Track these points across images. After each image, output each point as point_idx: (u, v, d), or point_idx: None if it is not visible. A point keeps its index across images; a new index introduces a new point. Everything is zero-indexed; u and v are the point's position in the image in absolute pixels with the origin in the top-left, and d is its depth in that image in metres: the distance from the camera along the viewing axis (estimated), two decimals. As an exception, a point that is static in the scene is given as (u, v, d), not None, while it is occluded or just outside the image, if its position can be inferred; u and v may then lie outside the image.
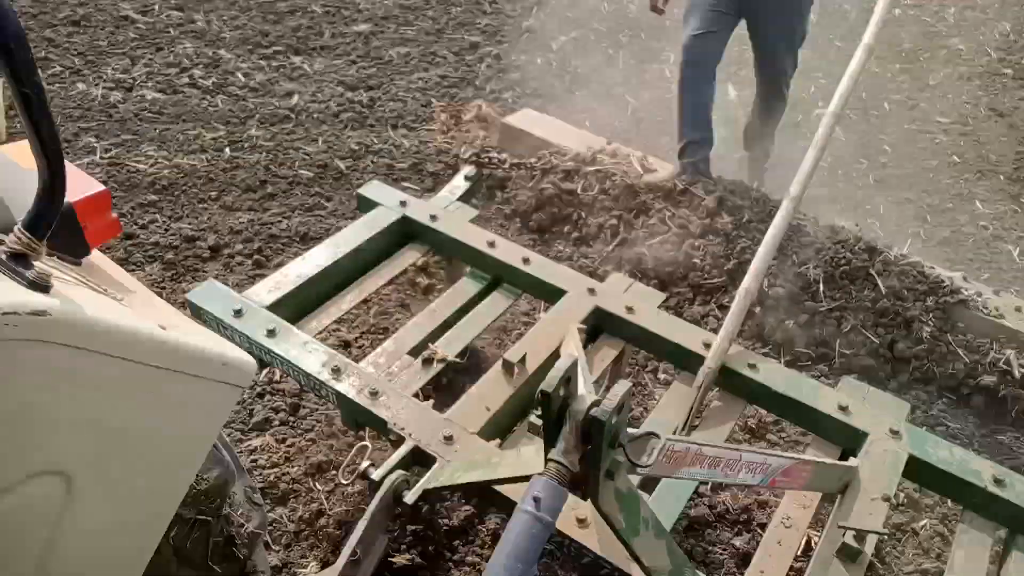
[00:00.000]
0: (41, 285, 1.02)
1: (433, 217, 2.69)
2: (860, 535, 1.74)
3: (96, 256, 1.35)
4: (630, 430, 1.28)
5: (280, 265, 2.97)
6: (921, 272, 3.13)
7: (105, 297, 1.21)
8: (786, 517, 1.91)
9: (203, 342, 1.26)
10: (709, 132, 3.55)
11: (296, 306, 2.38)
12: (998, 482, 1.95)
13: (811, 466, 1.79)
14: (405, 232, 2.71)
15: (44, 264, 1.09)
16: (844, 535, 1.75)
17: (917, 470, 2.02)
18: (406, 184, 3.99)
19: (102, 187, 1.41)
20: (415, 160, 4.21)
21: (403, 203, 2.74)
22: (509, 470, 1.53)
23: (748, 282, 2.29)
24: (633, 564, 1.67)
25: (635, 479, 1.54)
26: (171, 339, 1.16)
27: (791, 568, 1.85)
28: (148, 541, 1.37)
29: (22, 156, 1.33)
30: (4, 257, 1.05)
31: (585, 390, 1.27)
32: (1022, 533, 1.93)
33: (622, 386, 1.20)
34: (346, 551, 1.71)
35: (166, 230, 3.66)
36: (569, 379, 1.23)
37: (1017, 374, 2.90)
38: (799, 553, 1.97)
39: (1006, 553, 1.91)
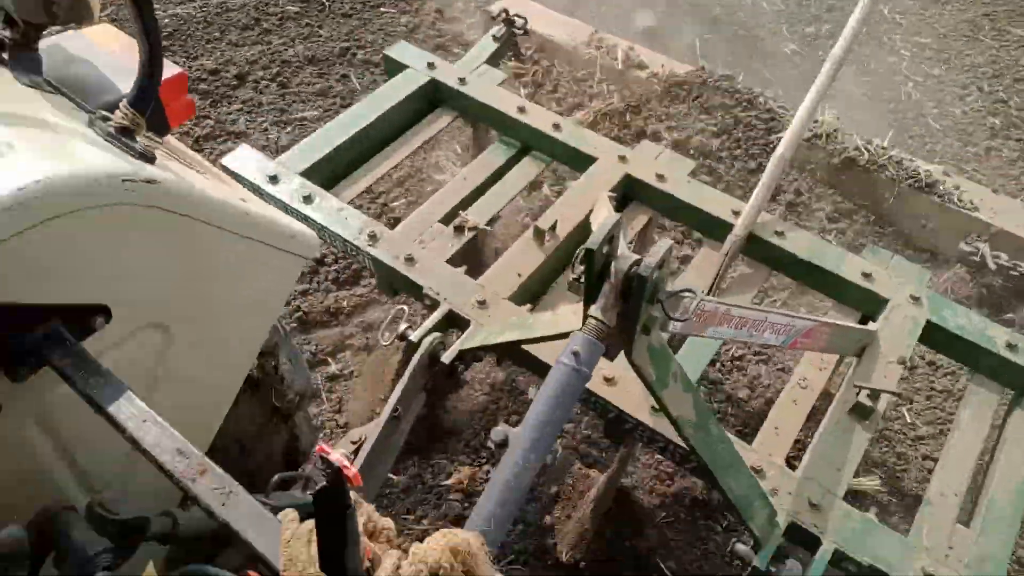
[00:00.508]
0: (148, 157, 1.12)
1: (462, 80, 2.65)
2: (874, 394, 1.84)
3: (169, 137, 1.44)
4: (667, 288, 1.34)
5: (302, 86, 3.63)
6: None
7: (192, 171, 1.30)
8: (802, 379, 2.01)
9: (276, 215, 1.39)
10: None
11: (330, 172, 2.40)
12: (1011, 347, 2.02)
13: (832, 328, 1.87)
14: (434, 96, 2.68)
15: (143, 139, 1.19)
16: (859, 394, 1.85)
17: (934, 335, 2.09)
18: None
19: (180, 69, 1.50)
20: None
21: (431, 65, 2.69)
22: (546, 329, 1.62)
23: (782, 148, 2.27)
24: (656, 418, 1.79)
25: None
26: (252, 211, 1.29)
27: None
28: (229, 390, 1.50)
29: (101, 38, 1.47)
30: (113, 131, 1.15)
31: (625, 250, 1.32)
32: None
33: (664, 243, 1.24)
34: (387, 408, 1.83)
35: (189, 67, 3.94)
36: (612, 238, 1.28)
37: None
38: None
39: (1010, 411, 2.02)
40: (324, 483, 0.80)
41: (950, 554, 1.74)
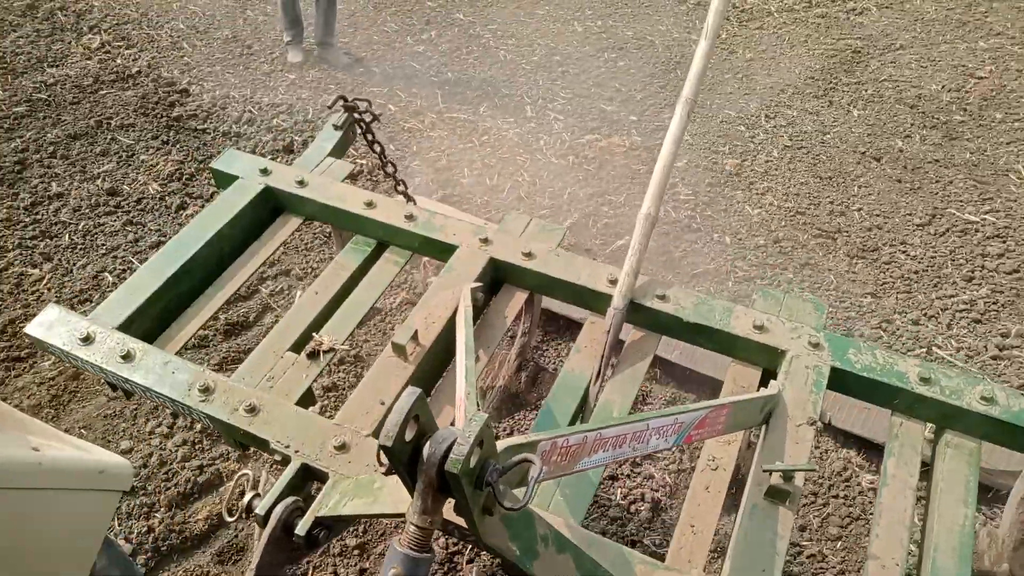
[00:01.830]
0: None
1: (301, 183, 2.40)
2: (787, 476, 1.64)
3: None
4: (500, 462, 1.09)
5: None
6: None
7: None
8: (711, 458, 1.81)
9: (78, 455, 1.31)
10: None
11: (155, 318, 2.11)
12: (925, 380, 1.86)
13: (727, 409, 1.67)
14: (273, 205, 2.43)
15: None
16: (771, 476, 1.65)
17: (841, 381, 1.92)
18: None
19: None
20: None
21: (264, 171, 2.44)
22: (389, 503, 1.36)
23: (648, 207, 2.09)
24: None
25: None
26: (45, 460, 1.21)
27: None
28: None
29: None
30: None
31: (438, 429, 1.07)
32: (950, 428, 1.86)
33: (477, 420, 1.01)
34: (241, 603, 1.55)
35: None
36: (418, 416, 1.04)
37: None
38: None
39: (935, 453, 1.85)
40: None
41: None
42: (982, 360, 3.08)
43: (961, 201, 3.72)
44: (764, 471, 1.65)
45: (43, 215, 3.99)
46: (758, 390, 1.92)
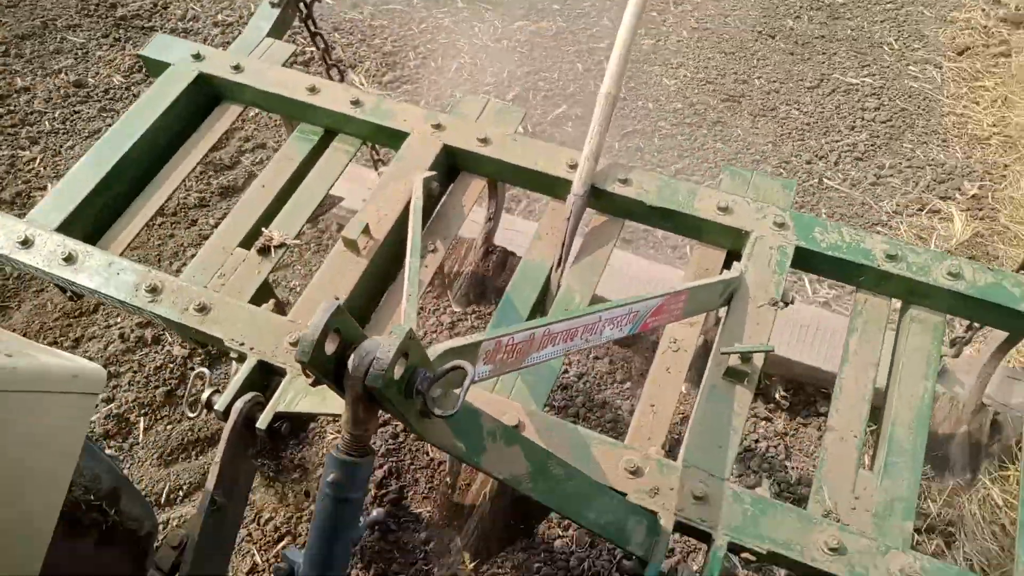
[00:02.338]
0: None
1: (237, 68, 2.24)
2: (745, 357, 1.63)
3: None
4: (433, 369, 1.04)
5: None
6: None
7: None
8: (672, 340, 1.79)
9: (51, 360, 1.33)
10: None
11: (94, 218, 2.01)
12: (891, 257, 1.83)
13: (684, 295, 1.63)
14: (209, 92, 2.27)
15: None
16: (729, 359, 1.64)
17: (807, 260, 1.88)
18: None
19: None
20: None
21: (197, 56, 2.26)
22: (336, 404, 1.33)
23: (608, 85, 1.96)
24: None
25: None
26: (19, 365, 1.23)
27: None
28: (35, 551, 1.38)
29: None
30: None
31: (363, 339, 1.01)
32: (916, 304, 1.84)
33: (398, 332, 0.95)
34: (203, 501, 1.55)
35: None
36: (339, 329, 0.98)
37: None
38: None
39: (900, 327, 1.84)
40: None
41: (856, 506, 1.58)
42: (863, 187, 3.82)
43: (844, 68, 4.52)
44: (722, 354, 1.64)
45: (16, 106, 4.05)
46: (721, 272, 1.89)
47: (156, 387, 2.96)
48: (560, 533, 2.61)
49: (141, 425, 2.87)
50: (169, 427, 2.71)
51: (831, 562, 1.45)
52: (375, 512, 1.66)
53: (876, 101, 4.28)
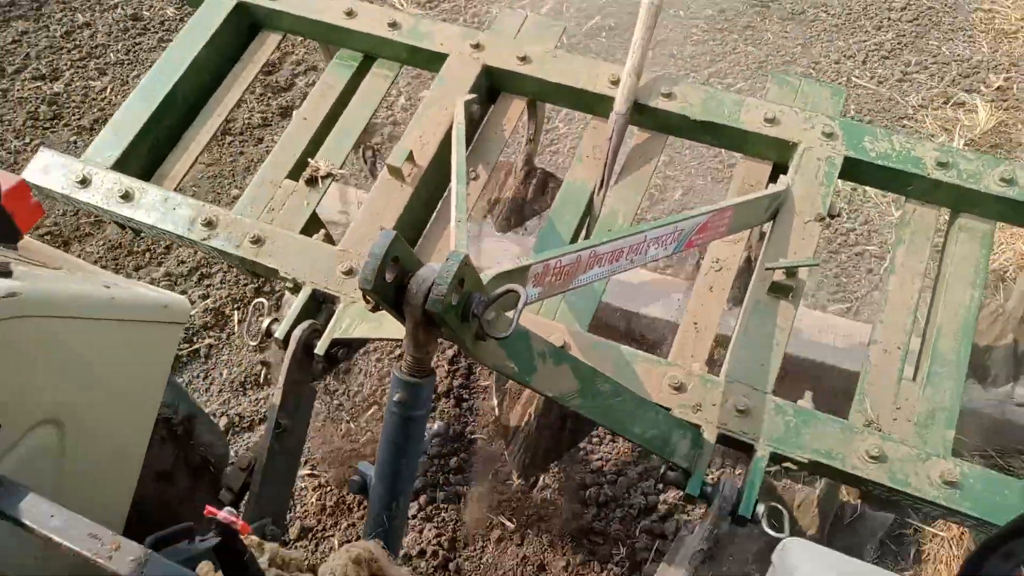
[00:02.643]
0: (3, 272, 1.16)
1: (274, -6, 2.22)
2: (790, 271, 1.64)
3: (25, 240, 1.50)
4: (487, 293, 1.09)
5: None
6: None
7: (49, 270, 1.36)
8: (715, 260, 1.80)
9: (141, 291, 1.47)
10: None
11: (148, 154, 2.07)
12: (942, 165, 1.79)
13: (730, 211, 1.63)
14: (248, 22, 2.27)
15: None
16: (774, 274, 1.65)
17: (856, 170, 1.85)
18: None
19: (17, 178, 1.56)
20: None
21: (234, -15, 2.25)
22: (393, 328, 1.40)
23: (648, -7, 1.90)
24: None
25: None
26: (117, 295, 1.36)
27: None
28: (132, 467, 1.53)
29: None
30: None
31: (420, 267, 1.06)
32: (965, 211, 1.81)
33: (454, 259, 0.99)
34: (268, 424, 1.66)
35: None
36: (397, 258, 1.02)
37: None
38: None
39: (948, 237, 1.82)
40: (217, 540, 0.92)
41: (898, 416, 1.62)
42: (890, 83, 3.89)
43: None
44: (767, 269, 1.65)
45: (81, 40, 4.24)
46: (767, 186, 1.87)
47: (246, 284, 3.23)
48: (602, 451, 2.72)
49: (235, 317, 3.15)
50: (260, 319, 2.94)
51: (872, 469, 1.50)
52: (436, 425, 1.77)
53: (903, 1, 4.27)
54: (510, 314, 1.10)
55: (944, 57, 3.98)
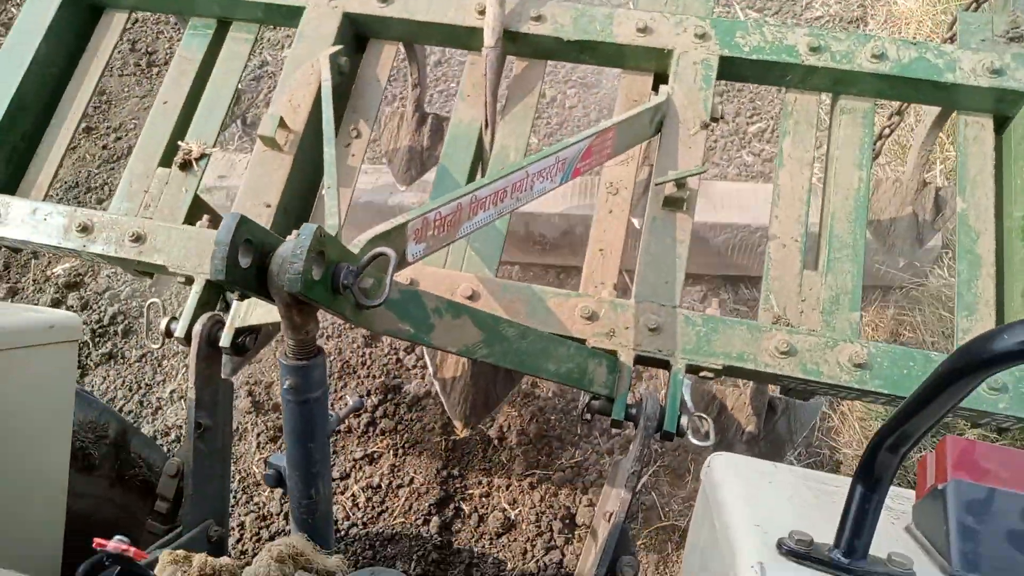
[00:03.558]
0: None
1: (109, -32, 2.05)
2: (680, 183, 1.63)
3: None
4: (356, 261, 1.05)
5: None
6: None
7: None
8: (609, 184, 1.78)
9: (23, 315, 1.41)
10: None
11: (6, 167, 1.92)
12: (815, 50, 1.78)
13: (611, 131, 1.60)
14: (87, 3, 2.09)
15: None
16: (665, 188, 1.65)
17: (732, 68, 1.83)
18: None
19: None
20: None
21: (64, -36, 2.07)
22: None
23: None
24: None
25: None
26: None
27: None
28: (56, 496, 1.50)
29: None
30: None
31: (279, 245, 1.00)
32: (844, 93, 1.82)
33: (306, 233, 0.94)
34: (189, 426, 1.61)
35: None
36: (248, 241, 0.97)
37: None
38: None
39: (832, 120, 1.83)
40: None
41: (803, 307, 1.66)
42: None
43: None
44: (656, 184, 1.64)
45: None
46: (650, 98, 1.85)
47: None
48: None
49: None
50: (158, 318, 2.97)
51: (784, 364, 1.54)
52: (354, 400, 1.75)
53: None
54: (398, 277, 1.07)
55: None
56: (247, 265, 0.96)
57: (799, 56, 1.78)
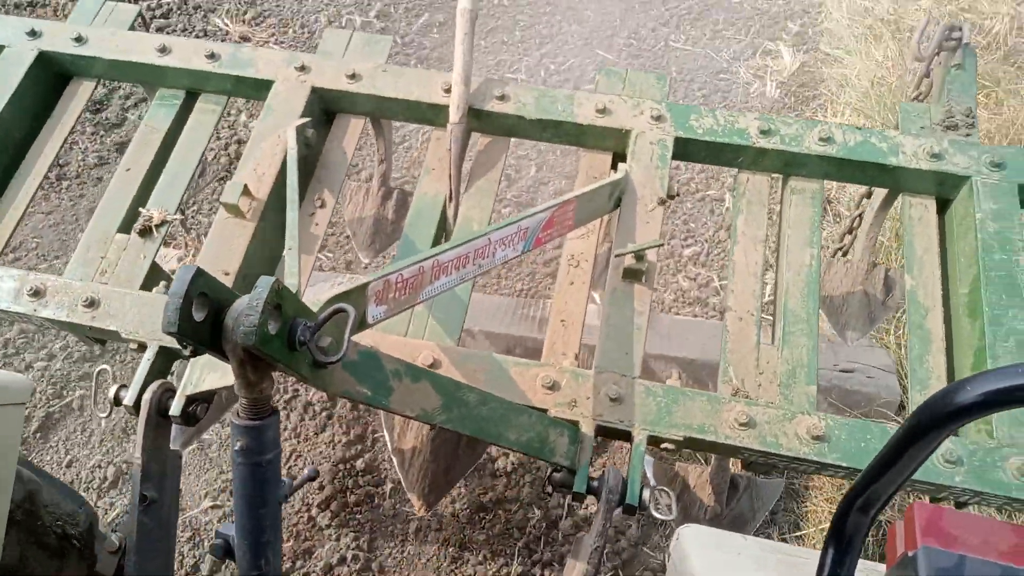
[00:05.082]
0: None
1: (79, 39, 2.08)
2: (639, 255, 1.67)
3: None
4: (315, 318, 1.03)
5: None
6: None
7: None
8: (570, 256, 1.81)
9: None
10: None
11: (-46, 230, 1.89)
12: (765, 132, 1.87)
13: (572, 204, 1.64)
14: (54, 71, 2.11)
15: None
16: (625, 260, 1.68)
17: (686, 149, 1.91)
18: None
19: None
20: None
21: (33, 33, 2.10)
22: (234, 375, 1.31)
23: (464, 1, 1.90)
24: None
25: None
26: None
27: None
28: None
29: None
30: None
31: (236, 300, 0.99)
32: (794, 174, 1.91)
33: (262, 287, 0.93)
34: (133, 498, 1.53)
35: None
36: (204, 294, 0.95)
37: None
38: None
39: (782, 201, 1.90)
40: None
41: (761, 380, 1.67)
42: (703, 43, 4.30)
43: None
44: (615, 256, 1.67)
45: None
46: (609, 175, 1.90)
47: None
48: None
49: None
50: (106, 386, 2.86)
51: (743, 436, 1.54)
52: (308, 470, 1.69)
53: None
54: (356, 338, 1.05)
55: (747, 12, 4.48)
56: (201, 319, 0.94)
57: (750, 138, 1.87)
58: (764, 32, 4.36)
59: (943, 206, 1.91)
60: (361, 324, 1.25)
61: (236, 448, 1.07)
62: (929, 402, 0.78)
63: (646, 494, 1.49)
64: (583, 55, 4.16)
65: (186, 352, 0.99)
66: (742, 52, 4.24)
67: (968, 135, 1.94)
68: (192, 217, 3.46)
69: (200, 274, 0.92)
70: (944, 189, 1.88)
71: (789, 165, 1.88)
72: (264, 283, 0.92)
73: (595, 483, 1.52)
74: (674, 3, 4.53)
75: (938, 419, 0.77)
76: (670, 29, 4.39)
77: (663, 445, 1.57)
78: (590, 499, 1.54)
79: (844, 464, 1.52)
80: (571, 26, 4.36)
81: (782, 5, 4.52)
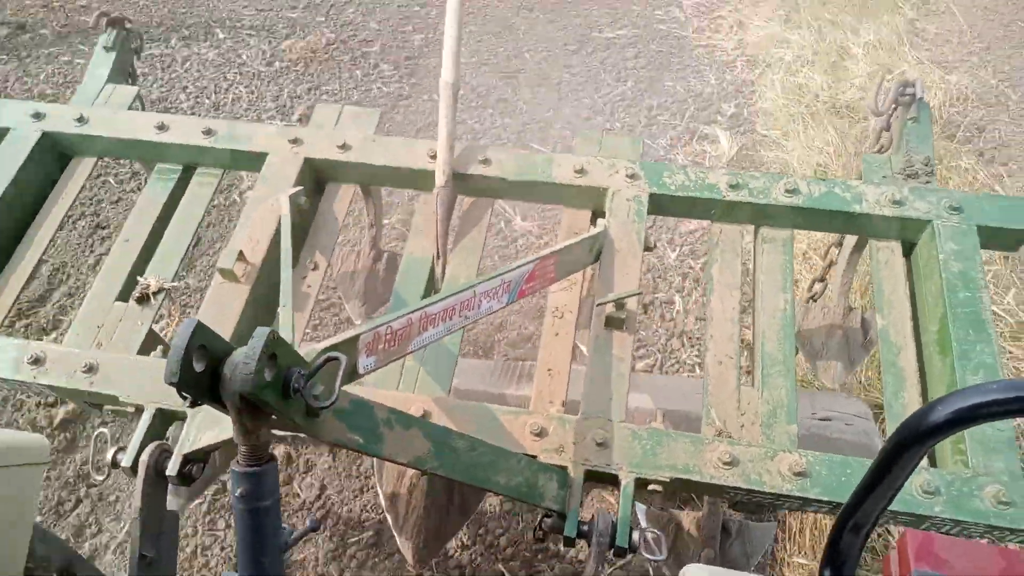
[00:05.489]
0: None
1: (81, 120, 2.19)
2: (619, 304, 1.74)
3: None
4: (304, 368, 1.09)
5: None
6: None
7: None
8: (555, 308, 1.89)
9: None
10: None
11: (-42, 303, 1.95)
12: (735, 187, 1.97)
13: (553, 258, 1.73)
14: (57, 151, 2.22)
15: None
16: (606, 309, 1.75)
17: (661, 204, 2.01)
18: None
19: None
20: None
21: (37, 115, 2.21)
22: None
23: (447, 74, 2.03)
24: None
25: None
26: None
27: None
28: None
29: None
30: None
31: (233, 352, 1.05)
32: (764, 224, 2.00)
33: (259, 336, 0.99)
34: (132, 559, 1.55)
35: None
36: (204, 346, 1.01)
37: None
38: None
39: (756, 250, 2.00)
40: None
41: (743, 421, 1.72)
42: (639, 129, 4.26)
43: (600, 25, 5.05)
44: (597, 305, 1.75)
45: None
46: (589, 230, 2.00)
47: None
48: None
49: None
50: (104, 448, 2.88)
51: (727, 475, 1.59)
52: (309, 521, 1.71)
53: (634, 51, 4.78)
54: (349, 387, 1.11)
55: (680, 95, 4.47)
56: (201, 370, 1.00)
57: (720, 192, 1.97)
58: (699, 116, 4.30)
59: (909, 249, 2.00)
60: (352, 374, 1.31)
61: (236, 494, 1.11)
62: (907, 422, 0.85)
63: (635, 535, 1.52)
64: (517, 146, 4.14)
65: (186, 405, 1.04)
66: (679, 138, 4.17)
67: (928, 182, 2.05)
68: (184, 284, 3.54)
69: (200, 327, 0.99)
70: (908, 233, 1.98)
71: (759, 216, 1.98)
72: (260, 333, 0.99)
73: (585, 527, 1.55)
74: (607, 90, 4.51)
75: (917, 436, 0.84)
76: (604, 117, 4.32)
77: (651, 487, 1.61)
78: (581, 543, 1.57)
79: (826, 499, 1.56)
80: (503, 119, 4.32)
81: (715, 86, 4.52)
